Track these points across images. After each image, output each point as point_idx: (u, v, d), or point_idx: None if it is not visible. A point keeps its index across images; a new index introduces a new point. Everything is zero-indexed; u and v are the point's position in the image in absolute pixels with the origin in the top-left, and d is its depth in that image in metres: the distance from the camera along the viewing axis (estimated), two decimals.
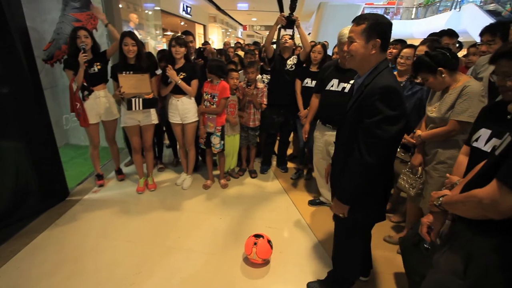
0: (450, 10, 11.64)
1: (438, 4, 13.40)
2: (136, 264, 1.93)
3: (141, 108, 2.54)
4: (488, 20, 8.48)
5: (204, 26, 11.93)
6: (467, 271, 0.89)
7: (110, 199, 2.73)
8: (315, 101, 2.48)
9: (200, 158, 3.36)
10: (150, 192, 2.87)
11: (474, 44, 2.33)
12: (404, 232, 2.22)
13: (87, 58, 2.49)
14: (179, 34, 2.88)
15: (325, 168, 1.76)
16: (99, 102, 2.71)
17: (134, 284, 1.77)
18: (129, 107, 2.49)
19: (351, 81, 2.14)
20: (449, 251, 0.98)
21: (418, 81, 2.11)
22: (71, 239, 2.17)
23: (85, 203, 2.66)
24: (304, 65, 2.97)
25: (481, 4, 10.37)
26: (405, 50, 2.24)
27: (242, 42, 9.31)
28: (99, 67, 2.64)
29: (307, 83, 2.88)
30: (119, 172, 3.11)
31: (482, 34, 1.99)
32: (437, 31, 2.77)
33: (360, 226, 1.48)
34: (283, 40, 3.01)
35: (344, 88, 2.18)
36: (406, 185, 1.93)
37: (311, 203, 2.75)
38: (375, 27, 1.20)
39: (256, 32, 20.32)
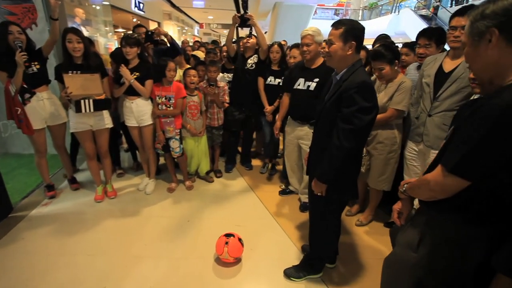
0: (391, 13, 12.74)
1: (380, 7, 14.58)
2: (100, 278, 1.80)
3: (92, 110, 2.34)
4: (421, 23, 9.47)
5: (159, 23, 11.40)
6: (420, 245, 1.01)
7: (64, 211, 2.49)
8: (285, 99, 2.57)
9: (161, 160, 3.23)
10: (110, 200, 2.69)
11: (407, 44, 2.61)
12: (355, 206, 2.59)
13: (26, 57, 2.22)
14: (129, 33, 2.69)
15: (304, 157, 1.95)
16: (43, 104, 2.46)
17: None
18: (78, 109, 2.28)
19: (316, 79, 2.27)
20: (408, 228, 1.10)
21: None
22: (18, 261, 1.93)
23: (34, 218, 2.39)
24: (266, 63, 3.03)
25: (415, 9, 11.55)
26: None
27: (200, 39, 9.12)
28: (38, 66, 2.39)
29: (270, 81, 2.95)
30: (72, 181, 2.84)
31: (418, 37, 2.25)
32: (381, 32, 3.10)
33: (335, 204, 1.63)
34: (244, 40, 3.03)
35: (309, 86, 2.30)
36: None
37: (281, 193, 2.89)
38: (351, 31, 1.39)
39: (213, 31, 20.05)
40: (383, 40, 2.85)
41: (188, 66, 3.18)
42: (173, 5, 11.19)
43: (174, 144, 2.73)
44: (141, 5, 8.78)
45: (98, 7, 4.78)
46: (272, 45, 2.93)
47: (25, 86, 2.31)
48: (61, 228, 2.27)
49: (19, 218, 2.37)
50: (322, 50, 2.39)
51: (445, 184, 0.88)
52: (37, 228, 2.26)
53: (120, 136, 3.25)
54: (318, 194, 1.54)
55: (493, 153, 0.79)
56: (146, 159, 2.90)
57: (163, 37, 3.04)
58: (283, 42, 3.82)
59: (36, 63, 2.38)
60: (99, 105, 2.38)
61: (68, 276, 1.82)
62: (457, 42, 1.71)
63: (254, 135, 3.78)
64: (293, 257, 2.03)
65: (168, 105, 2.64)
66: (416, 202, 1.18)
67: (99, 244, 2.12)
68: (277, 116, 2.73)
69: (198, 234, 2.26)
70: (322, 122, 1.56)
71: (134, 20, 9.09)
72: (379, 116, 2.05)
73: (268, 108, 2.92)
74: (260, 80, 3.02)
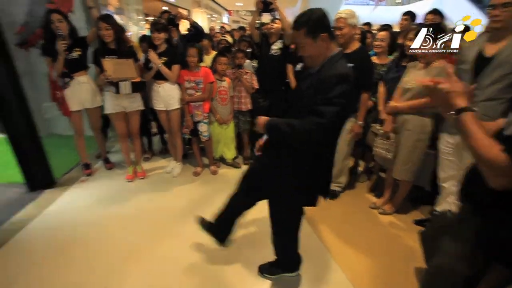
0: None
1: None
2: (127, 249, 1.95)
3: (130, 91, 2.48)
4: (469, 7, 8.56)
5: (188, 11, 11.55)
6: (472, 256, 0.91)
7: (98, 187, 2.70)
8: None
9: (187, 146, 3.33)
10: (139, 180, 2.85)
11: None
12: (385, 198, 2.41)
13: (66, 45, 2.37)
14: (157, 19, 2.75)
15: None
16: (82, 88, 2.62)
17: (122, 271, 1.80)
18: (118, 91, 2.44)
19: (349, 65, 2.14)
20: (455, 236, 0.98)
21: (404, 64, 2.18)
22: (60, 229, 2.15)
23: (73, 192, 2.61)
24: (292, 47, 2.96)
25: None
26: (381, 33, 2.38)
27: (229, 26, 9.07)
28: (79, 53, 2.53)
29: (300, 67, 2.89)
30: (106, 161, 3.05)
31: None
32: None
33: (293, 210, 1.51)
34: (268, 25, 2.98)
35: None
36: (383, 152, 2.17)
37: None
38: (314, 25, 1.25)
39: (242, 18, 19.84)
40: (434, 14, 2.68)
41: (215, 52, 3.20)
42: None
43: (203, 128, 2.80)
44: None
45: None
46: None
47: (65, 71, 2.49)
48: (94, 203, 2.46)
49: (61, 191, 2.61)
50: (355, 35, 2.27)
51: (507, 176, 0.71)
52: (75, 203, 2.47)
53: (149, 121, 3.39)
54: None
55: None
56: (173, 143, 3.01)
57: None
58: None
59: (78, 49, 2.52)
60: (136, 87, 2.53)
61: (99, 246, 1.99)
62: (497, 22, 1.52)
63: None
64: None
65: (197, 89, 2.70)
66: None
67: (126, 220, 2.26)
68: None
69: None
70: (295, 113, 1.38)
71: (166, 8, 9.27)
72: (415, 101, 1.94)
73: None
74: (289, 67, 2.95)
